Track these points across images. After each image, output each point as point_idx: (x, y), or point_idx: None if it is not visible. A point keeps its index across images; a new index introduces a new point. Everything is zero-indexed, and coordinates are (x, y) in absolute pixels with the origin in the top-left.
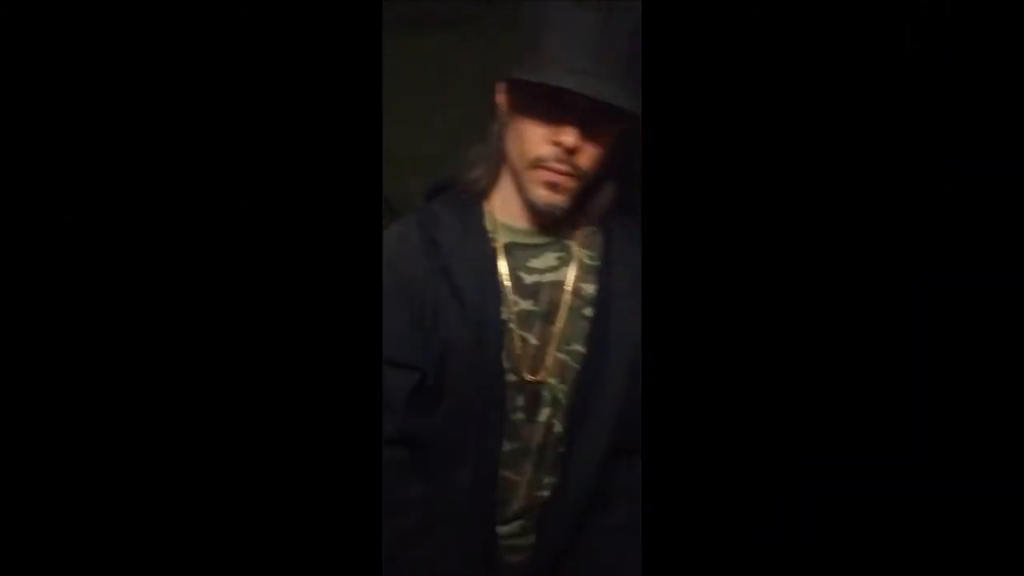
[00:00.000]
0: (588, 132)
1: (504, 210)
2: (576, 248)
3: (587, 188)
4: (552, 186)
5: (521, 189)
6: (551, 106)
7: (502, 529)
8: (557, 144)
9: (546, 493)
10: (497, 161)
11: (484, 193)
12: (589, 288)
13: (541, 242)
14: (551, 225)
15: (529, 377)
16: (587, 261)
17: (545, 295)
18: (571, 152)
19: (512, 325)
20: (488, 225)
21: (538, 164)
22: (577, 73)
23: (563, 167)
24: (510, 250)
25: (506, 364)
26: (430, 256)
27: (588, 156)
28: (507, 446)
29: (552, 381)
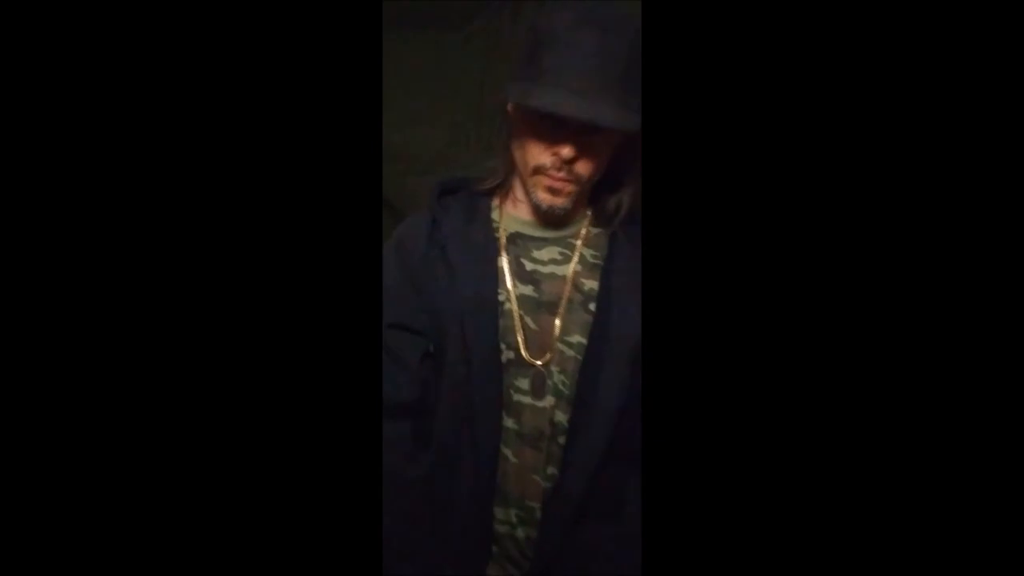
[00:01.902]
0: (584, 144)
1: (513, 205)
2: (580, 246)
3: (593, 191)
4: (553, 191)
5: (526, 191)
6: (550, 121)
7: (498, 512)
8: (555, 155)
9: (546, 485)
10: (508, 164)
11: (494, 192)
12: (590, 284)
13: (546, 236)
14: (556, 223)
15: (533, 361)
16: (590, 259)
17: (546, 285)
18: (569, 162)
19: (510, 306)
20: (495, 216)
21: (539, 171)
22: (575, 94)
23: (561, 175)
24: (513, 239)
25: (503, 343)
26: (432, 238)
27: (586, 165)
28: (509, 423)
29: (555, 369)
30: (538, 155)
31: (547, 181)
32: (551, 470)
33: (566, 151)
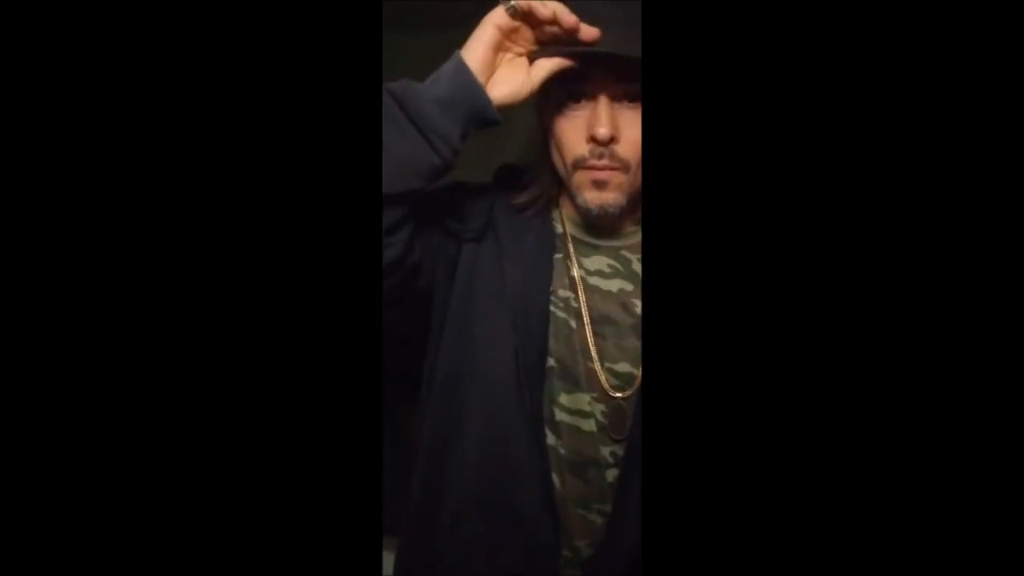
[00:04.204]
0: (621, 119)
1: (568, 207)
2: (632, 258)
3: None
4: (598, 184)
5: (573, 197)
6: (579, 101)
7: None
8: (592, 141)
9: (599, 521)
10: (548, 172)
11: (546, 208)
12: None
13: (597, 243)
14: (608, 228)
15: (610, 392)
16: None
17: (591, 298)
18: (608, 143)
19: (558, 311)
20: (553, 215)
21: (579, 165)
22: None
23: (604, 161)
24: (566, 240)
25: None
26: (488, 212)
27: (627, 147)
28: (551, 440)
29: (622, 403)
30: (574, 146)
31: (590, 175)
32: (599, 506)
33: (602, 131)
